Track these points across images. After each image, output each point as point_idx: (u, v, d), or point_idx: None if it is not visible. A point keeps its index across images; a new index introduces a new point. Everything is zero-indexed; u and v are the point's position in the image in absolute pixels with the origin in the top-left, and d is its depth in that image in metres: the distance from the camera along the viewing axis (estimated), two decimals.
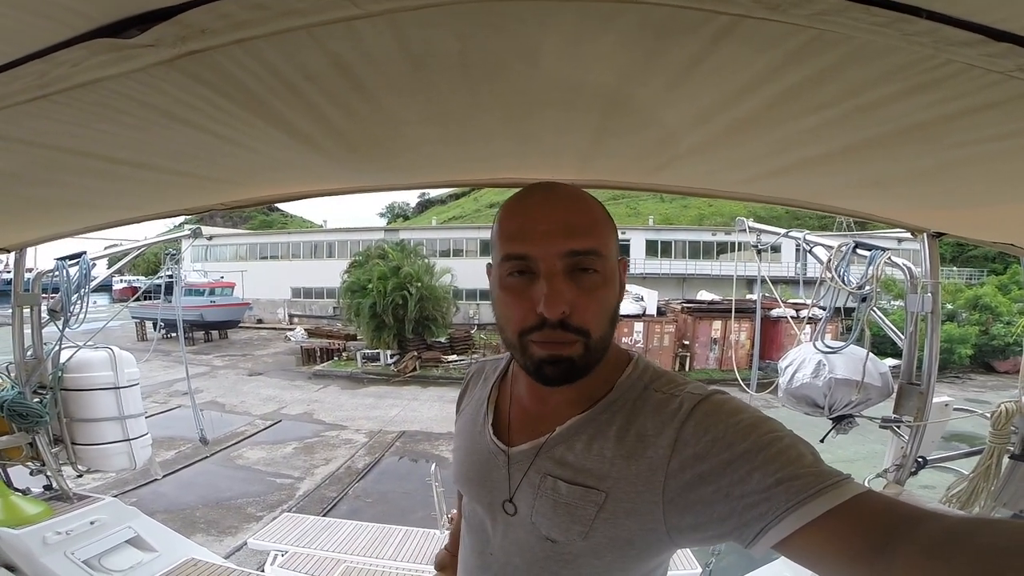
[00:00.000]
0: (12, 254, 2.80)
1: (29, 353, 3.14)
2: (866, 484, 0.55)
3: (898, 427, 2.60)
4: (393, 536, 4.90)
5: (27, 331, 3.13)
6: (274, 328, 31.63)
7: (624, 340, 17.10)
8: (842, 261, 2.75)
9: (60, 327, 3.18)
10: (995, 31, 0.51)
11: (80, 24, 0.59)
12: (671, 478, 0.63)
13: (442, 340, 22.02)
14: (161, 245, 4.72)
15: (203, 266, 32.33)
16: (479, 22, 0.60)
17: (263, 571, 4.33)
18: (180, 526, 6.26)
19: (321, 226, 48.89)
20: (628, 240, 28.49)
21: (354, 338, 22.98)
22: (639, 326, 18.25)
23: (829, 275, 2.78)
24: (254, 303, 32.65)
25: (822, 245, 2.94)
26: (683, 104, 0.82)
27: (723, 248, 28.75)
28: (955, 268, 28.02)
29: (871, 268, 2.62)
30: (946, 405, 2.71)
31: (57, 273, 3.16)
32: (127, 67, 0.65)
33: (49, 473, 3.23)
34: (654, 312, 19.58)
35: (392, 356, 20.34)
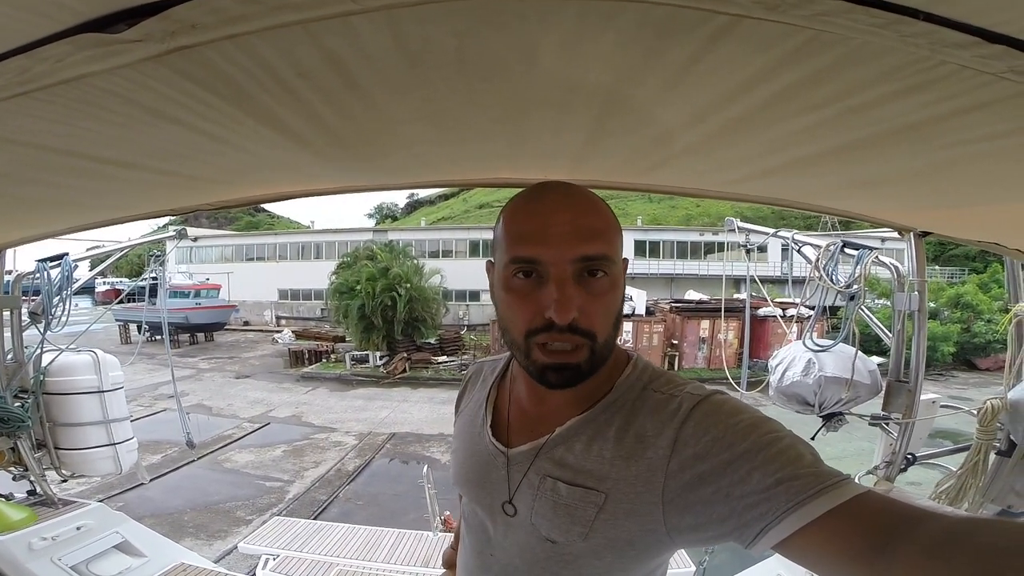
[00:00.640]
0: None
1: (9, 357, 3.07)
2: (856, 481, 0.55)
3: (887, 424, 2.63)
4: (385, 539, 4.87)
5: (7, 334, 3.07)
6: (261, 330, 31.35)
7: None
8: (830, 260, 2.77)
9: (41, 330, 3.13)
10: (991, 33, 0.51)
11: (65, 18, 0.58)
12: (671, 478, 0.63)
13: (432, 341, 21.97)
14: (145, 246, 4.65)
15: (188, 268, 32.01)
16: (478, 19, 0.59)
17: (254, 575, 4.28)
18: (168, 531, 6.17)
19: (308, 227, 48.52)
20: None
21: (343, 340, 22.85)
22: (628, 326, 18.34)
23: (817, 274, 2.81)
24: (240, 305, 32.33)
25: (810, 244, 2.97)
26: (679, 104, 0.82)
27: (711, 248, 28.98)
28: (937, 267, 28.49)
29: (859, 267, 2.65)
30: (933, 402, 2.75)
31: (38, 275, 3.10)
32: (113, 63, 0.64)
33: (32, 478, 3.17)
34: (643, 312, 19.69)
35: (381, 358, 20.25)
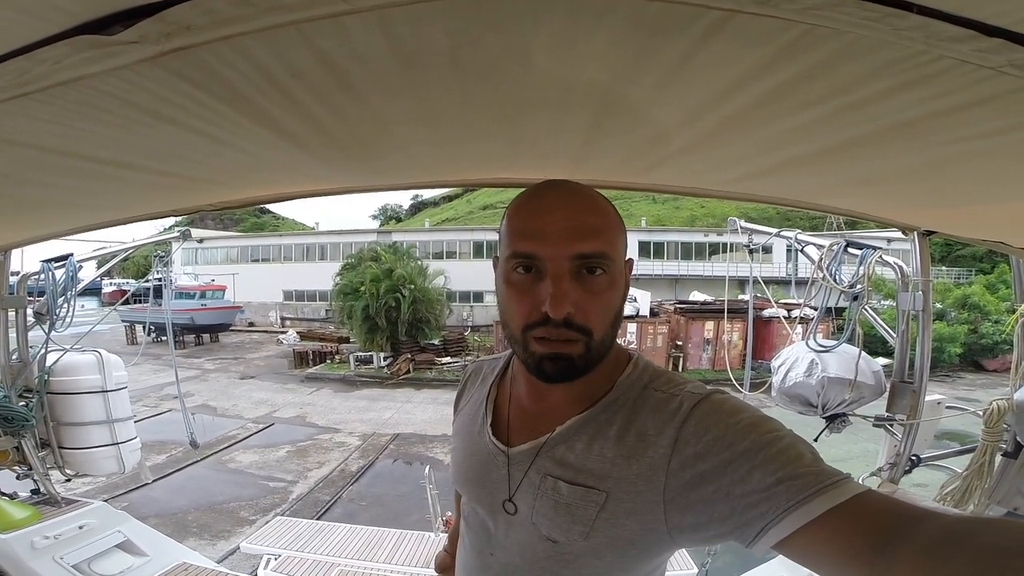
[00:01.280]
0: None
1: (14, 356, 3.10)
2: (857, 481, 0.55)
3: (891, 426, 2.62)
4: (388, 539, 4.87)
5: (12, 334, 3.10)
6: (266, 331, 31.44)
7: (617, 341, 17.13)
8: (833, 260, 2.76)
9: (46, 330, 3.15)
10: (987, 26, 0.50)
11: (63, 20, 0.58)
12: (671, 477, 0.63)
13: (436, 342, 21.98)
14: (150, 247, 4.68)
15: (194, 269, 32.11)
16: (471, 18, 0.59)
17: (256, 575, 4.29)
18: (172, 531, 6.20)
19: (313, 228, 48.69)
20: None
21: (347, 341, 22.88)
22: (632, 327, 18.28)
23: (821, 274, 2.80)
24: (245, 306, 32.43)
25: (813, 244, 2.95)
26: (674, 102, 0.82)
27: (715, 249, 28.92)
28: (944, 268, 28.29)
29: (862, 267, 2.64)
30: (938, 403, 2.73)
31: (43, 275, 3.12)
32: (110, 64, 0.64)
33: (36, 477, 3.20)
34: (647, 313, 19.64)
35: (385, 358, 20.27)
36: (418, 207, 74.67)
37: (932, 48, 0.54)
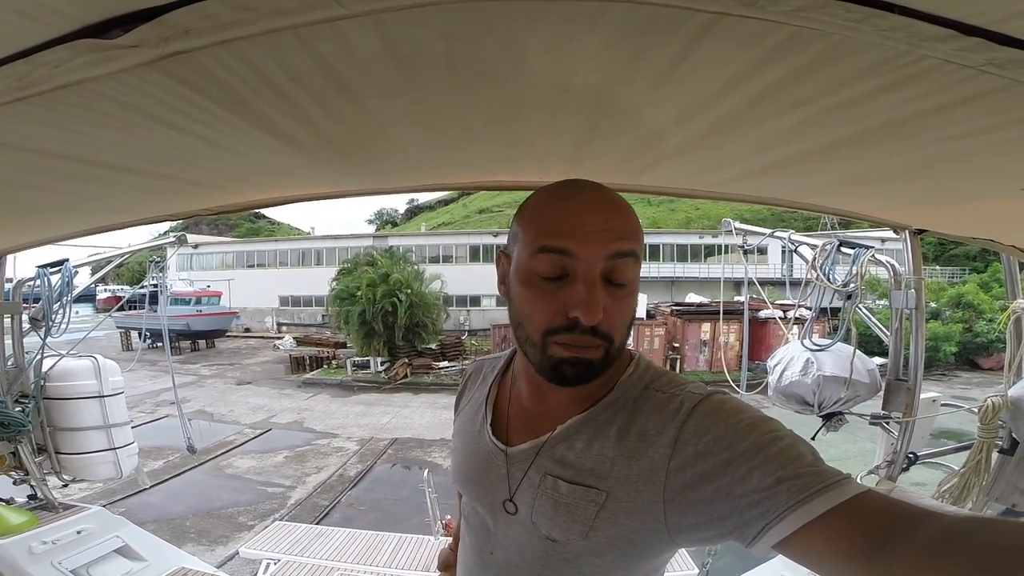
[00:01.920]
0: None
1: (10, 362, 3.09)
2: (858, 480, 0.55)
3: (887, 424, 2.63)
4: (387, 543, 4.86)
5: (8, 340, 3.09)
6: (262, 337, 31.33)
7: None
8: (827, 260, 2.78)
9: (42, 336, 3.14)
10: (965, 26, 0.51)
11: (63, 24, 0.59)
12: (672, 477, 0.63)
13: (433, 347, 21.95)
14: (146, 253, 4.67)
15: (189, 275, 32.02)
16: (466, 22, 0.60)
17: None
18: (170, 536, 6.16)
19: (309, 233, 48.59)
20: None
21: (344, 346, 22.83)
22: None
23: (814, 274, 2.81)
24: (241, 312, 32.33)
25: (807, 244, 2.97)
26: (667, 103, 0.83)
27: (711, 251, 29.01)
28: (938, 267, 28.43)
29: (855, 266, 2.65)
30: (934, 401, 2.75)
31: (38, 281, 3.12)
32: (110, 68, 0.65)
33: (33, 482, 3.18)
34: (644, 315, 19.67)
35: (382, 363, 20.23)
36: (414, 211, 74.68)
37: (915, 48, 0.55)
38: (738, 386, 4.54)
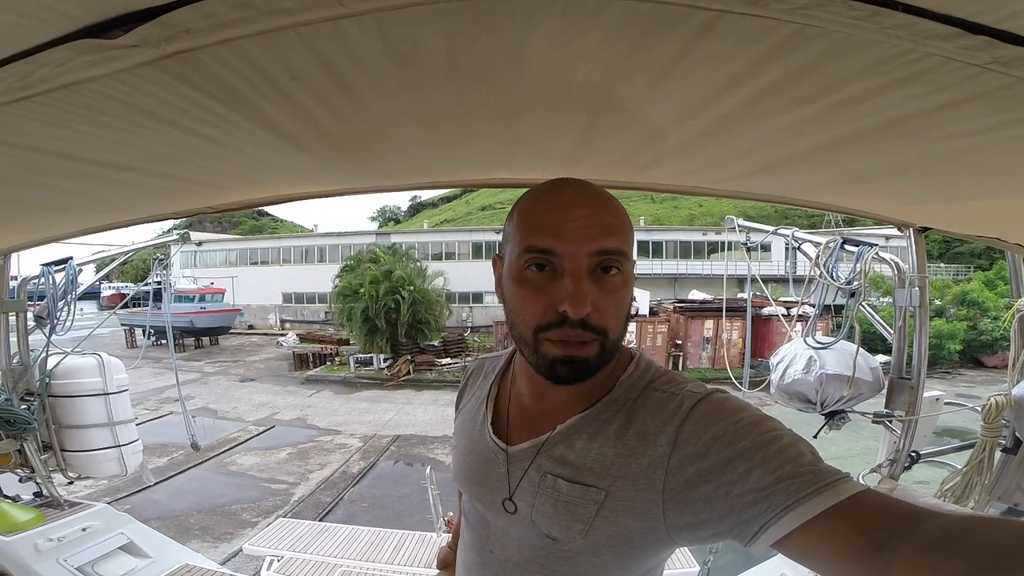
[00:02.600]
0: None
1: (15, 360, 3.10)
2: (861, 480, 0.55)
3: (890, 422, 2.62)
4: (389, 540, 4.87)
5: (13, 338, 3.10)
6: (266, 334, 31.44)
7: None
8: (830, 257, 2.77)
9: (47, 333, 3.15)
10: (971, 24, 0.51)
11: (64, 24, 0.59)
12: (671, 476, 0.63)
13: (435, 343, 21.97)
14: (150, 251, 4.68)
15: (193, 272, 32.13)
16: (466, 20, 0.60)
17: None
18: (174, 533, 6.20)
19: (312, 231, 48.66)
20: None
21: (347, 343, 22.87)
22: (632, 326, 18.16)
23: (818, 271, 2.80)
24: (245, 309, 32.42)
25: (811, 242, 2.96)
26: (668, 101, 0.82)
27: (714, 248, 28.92)
28: (942, 264, 28.32)
29: (859, 264, 2.64)
30: (937, 399, 2.74)
31: (43, 279, 3.13)
32: (111, 68, 0.65)
33: (39, 480, 3.19)
34: (647, 312, 19.65)
35: (385, 360, 20.26)
36: (417, 208, 74.69)
37: (919, 46, 0.55)
38: (741, 383, 4.53)
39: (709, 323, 19.49)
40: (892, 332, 2.65)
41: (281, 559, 4.52)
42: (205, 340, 28.03)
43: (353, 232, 35.26)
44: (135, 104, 0.77)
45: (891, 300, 2.65)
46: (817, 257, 2.81)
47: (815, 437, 2.59)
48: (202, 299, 28.56)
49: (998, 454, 2.60)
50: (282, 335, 28.20)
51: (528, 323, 0.68)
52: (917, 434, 2.59)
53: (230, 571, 3.71)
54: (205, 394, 16.86)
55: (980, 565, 0.42)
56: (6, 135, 0.87)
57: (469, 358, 20.76)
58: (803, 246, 3.01)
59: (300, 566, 4.38)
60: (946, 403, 2.85)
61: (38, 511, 3.01)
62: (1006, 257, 2.82)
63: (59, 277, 3.17)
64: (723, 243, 26.83)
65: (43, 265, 3.16)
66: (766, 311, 14.99)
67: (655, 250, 29.37)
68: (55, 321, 3.17)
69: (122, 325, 25.54)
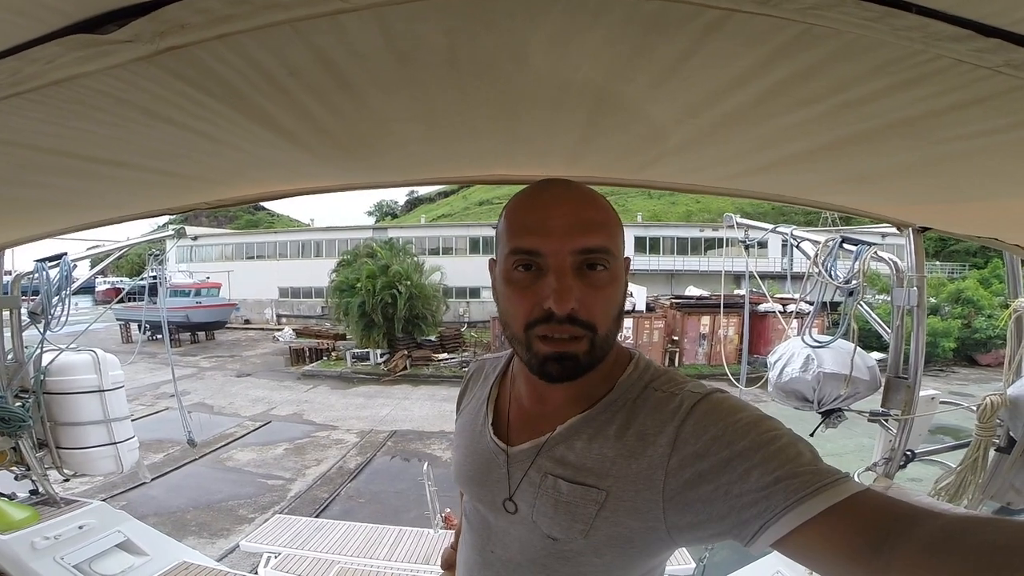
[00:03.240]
0: None
1: (10, 357, 3.08)
2: (855, 477, 0.55)
3: (886, 420, 2.63)
4: (387, 536, 4.89)
5: (7, 334, 3.08)
6: (262, 328, 31.41)
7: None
8: (829, 256, 2.77)
9: (41, 330, 3.13)
10: (985, 26, 0.51)
11: (55, 20, 0.58)
12: (671, 476, 0.63)
13: (432, 339, 22.00)
14: (145, 246, 4.65)
15: (188, 267, 32.05)
16: (467, 17, 0.59)
17: (256, 573, 4.31)
18: (171, 529, 6.21)
19: (308, 225, 48.56)
20: None
21: (343, 337, 22.90)
22: (629, 322, 18.37)
23: (816, 270, 2.81)
24: (241, 304, 32.40)
25: (809, 240, 2.96)
26: (671, 100, 0.82)
27: (711, 244, 29.01)
28: (938, 262, 28.47)
29: (857, 263, 2.65)
30: (932, 398, 2.75)
31: (37, 275, 3.11)
32: (104, 63, 0.64)
33: (35, 478, 3.19)
34: (643, 308, 19.70)
35: (382, 355, 20.28)
36: (414, 203, 74.50)
37: (930, 48, 0.54)
38: (737, 380, 4.55)
39: (706, 319, 19.56)
40: (889, 331, 2.65)
41: (278, 555, 4.53)
42: (201, 335, 28.01)
43: (350, 227, 35.24)
44: (129, 100, 0.76)
45: (886, 298, 2.66)
46: (816, 255, 2.81)
47: (811, 435, 2.60)
48: (198, 294, 28.50)
49: (992, 453, 2.62)
50: (278, 330, 28.15)
51: (519, 322, 0.69)
52: (912, 433, 2.60)
53: (227, 568, 3.71)
54: (201, 389, 16.84)
55: (979, 565, 0.42)
56: None
57: (466, 353, 20.81)
58: (802, 244, 3.02)
59: (297, 562, 4.39)
60: (941, 402, 2.86)
61: (34, 509, 3.00)
62: (1004, 257, 2.82)
63: (53, 273, 3.14)
64: (720, 239, 26.92)
65: (37, 261, 3.14)
66: (762, 308, 15.06)
67: (652, 246, 29.45)
68: (49, 317, 3.15)
69: (117, 320, 25.50)
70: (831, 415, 2.73)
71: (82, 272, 3.55)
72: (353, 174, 1.46)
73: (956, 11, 0.49)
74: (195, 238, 35.16)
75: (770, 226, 3.46)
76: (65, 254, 3.22)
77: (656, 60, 0.67)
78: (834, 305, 2.99)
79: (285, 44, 0.63)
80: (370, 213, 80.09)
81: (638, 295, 19.59)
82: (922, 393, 2.58)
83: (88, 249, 3.65)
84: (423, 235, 31.90)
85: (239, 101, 0.81)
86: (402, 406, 15.01)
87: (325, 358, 21.70)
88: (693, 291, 23.20)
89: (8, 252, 2.89)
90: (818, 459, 0.58)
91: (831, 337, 2.78)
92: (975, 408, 2.62)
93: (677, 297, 22.23)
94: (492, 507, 0.79)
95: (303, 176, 1.47)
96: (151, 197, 1.57)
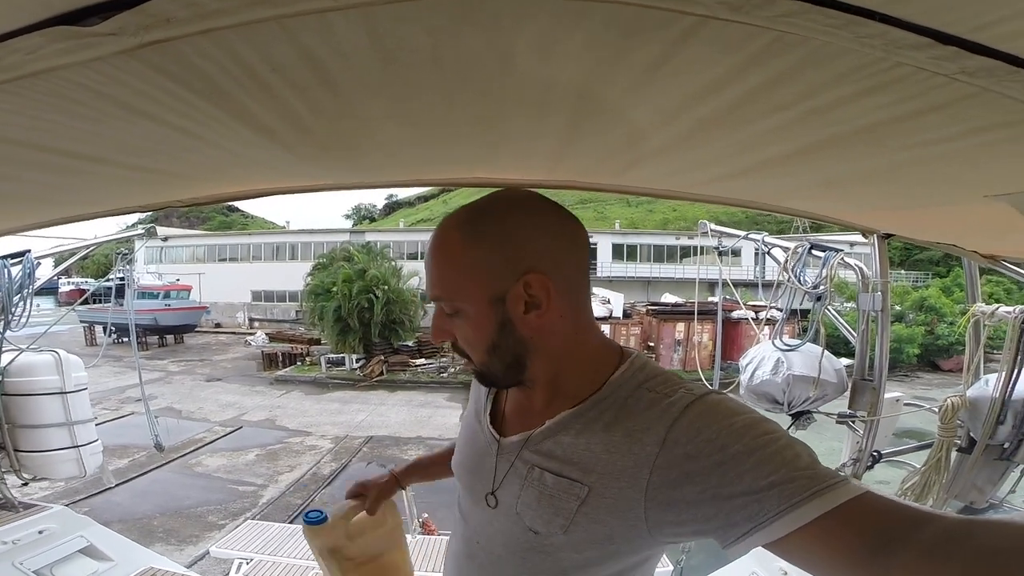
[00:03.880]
0: None
1: None
2: (860, 484, 0.56)
3: (853, 422, 2.71)
4: None
5: None
6: (233, 332, 30.72)
7: (607, 341, 17.31)
8: (798, 262, 2.85)
9: (0, 330, 3.02)
10: (943, 34, 0.53)
11: (37, 11, 0.57)
12: (656, 475, 0.63)
13: (410, 344, 21.81)
14: (112, 245, 4.54)
15: (158, 268, 31.21)
16: (453, 18, 0.60)
17: None
18: (137, 536, 6.01)
19: (284, 227, 47.70)
20: (595, 244, 28.92)
21: (318, 342, 22.52)
22: (606, 328, 18.45)
23: (786, 276, 2.88)
24: (212, 307, 31.67)
25: (779, 247, 3.05)
26: (648, 104, 0.84)
27: (686, 252, 29.48)
28: (903, 271, 29.35)
29: (825, 268, 2.73)
30: (897, 400, 2.85)
31: None
32: (85, 56, 0.62)
33: None
34: (620, 314, 19.87)
35: (358, 360, 20.02)
36: (393, 207, 73.94)
37: (890, 55, 0.57)
38: (711, 385, 4.62)
39: (680, 326, 19.82)
40: (855, 335, 2.74)
41: (250, 562, 4.43)
42: (169, 338, 27.29)
43: (326, 230, 34.72)
44: (109, 94, 0.75)
45: (853, 305, 2.75)
46: (786, 262, 2.89)
47: None
48: (167, 296, 27.75)
49: (954, 454, 2.71)
50: (251, 334, 27.59)
51: None
52: (879, 434, 2.68)
53: (197, 574, 3.62)
54: (169, 394, 16.40)
55: (979, 569, 0.43)
56: None
57: (444, 359, 20.65)
58: (772, 251, 3.10)
59: (270, 569, 4.30)
60: (905, 404, 2.97)
61: None
62: (962, 264, 2.94)
63: (15, 270, 3.04)
64: (695, 247, 27.33)
65: None
66: (736, 314, 15.33)
67: (629, 253, 29.78)
68: (10, 317, 3.04)
69: (81, 322, 24.66)
70: (800, 417, 2.80)
71: (45, 271, 3.44)
72: (333, 174, 1.45)
73: (916, 19, 0.52)
74: (166, 239, 34.30)
75: (742, 233, 3.55)
76: (28, 251, 3.11)
77: (633, 64, 0.69)
78: (804, 313, 3.07)
79: (271, 41, 0.63)
80: (348, 216, 79.11)
81: (615, 302, 19.77)
82: (887, 395, 2.67)
83: (53, 247, 3.54)
84: (402, 239, 31.67)
85: (220, 97, 0.80)
86: (378, 412, 14.84)
87: (299, 363, 21.32)
88: (669, 298, 23.49)
89: None
90: (816, 462, 0.59)
91: (800, 341, 2.86)
92: (937, 410, 2.71)
93: (653, 304, 22.47)
94: (480, 497, 0.81)
95: (283, 175, 1.46)
96: (127, 193, 1.54)
